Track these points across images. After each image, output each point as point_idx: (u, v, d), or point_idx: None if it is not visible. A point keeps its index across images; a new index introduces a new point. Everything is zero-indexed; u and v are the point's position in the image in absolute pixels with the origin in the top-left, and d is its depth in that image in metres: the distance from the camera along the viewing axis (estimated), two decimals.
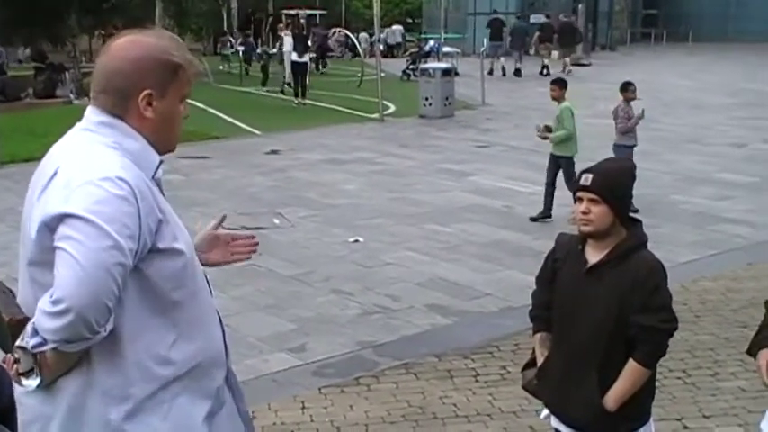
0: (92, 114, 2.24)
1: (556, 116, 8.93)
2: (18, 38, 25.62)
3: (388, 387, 5.05)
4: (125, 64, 2.20)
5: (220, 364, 2.38)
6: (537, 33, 27.25)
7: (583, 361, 3.01)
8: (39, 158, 2.30)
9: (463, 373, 5.22)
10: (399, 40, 35.75)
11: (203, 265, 2.46)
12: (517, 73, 24.91)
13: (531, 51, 27.79)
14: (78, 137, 2.23)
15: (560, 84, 9.04)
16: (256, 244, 2.75)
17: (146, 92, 2.20)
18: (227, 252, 2.70)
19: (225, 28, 31.11)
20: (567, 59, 26.07)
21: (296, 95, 19.78)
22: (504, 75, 25.02)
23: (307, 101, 19.67)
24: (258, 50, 27.77)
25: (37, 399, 2.20)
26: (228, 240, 2.71)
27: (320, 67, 28.23)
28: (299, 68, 20.03)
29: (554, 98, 8.97)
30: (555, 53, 26.76)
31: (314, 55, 21.80)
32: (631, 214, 3.06)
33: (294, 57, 20.14)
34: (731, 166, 11.80)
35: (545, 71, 24.71)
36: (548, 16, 29.26)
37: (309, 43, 21.56)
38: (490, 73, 23.37)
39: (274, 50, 21.79)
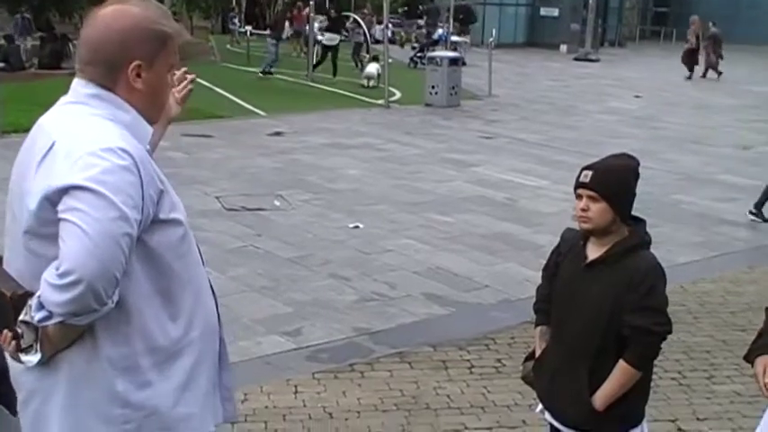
0: (79, 87, 2.20)
1: None
2: (27, 7, 25.51)
3: (382, 375, 5.03)
4: (113, 34, 2.15)
5: (214, 332, 2.38)
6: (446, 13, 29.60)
7: (574, 357, 2.99)
8: None
9: (458, 365, 5.20)
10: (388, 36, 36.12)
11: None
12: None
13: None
14: (69, 109, 2.19)
15: None
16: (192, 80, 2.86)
17: (135, 63, 2.16)
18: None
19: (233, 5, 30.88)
20: (467, 38, 28.30)
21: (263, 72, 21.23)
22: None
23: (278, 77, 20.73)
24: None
25: (35, 374, 2.16)
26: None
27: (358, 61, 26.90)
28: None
29: None
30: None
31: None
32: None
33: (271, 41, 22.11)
34: (735, 168, 11.75)
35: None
36: None
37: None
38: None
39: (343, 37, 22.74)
